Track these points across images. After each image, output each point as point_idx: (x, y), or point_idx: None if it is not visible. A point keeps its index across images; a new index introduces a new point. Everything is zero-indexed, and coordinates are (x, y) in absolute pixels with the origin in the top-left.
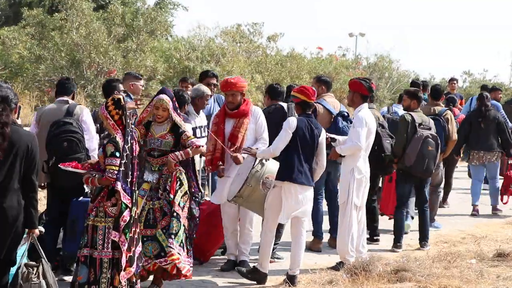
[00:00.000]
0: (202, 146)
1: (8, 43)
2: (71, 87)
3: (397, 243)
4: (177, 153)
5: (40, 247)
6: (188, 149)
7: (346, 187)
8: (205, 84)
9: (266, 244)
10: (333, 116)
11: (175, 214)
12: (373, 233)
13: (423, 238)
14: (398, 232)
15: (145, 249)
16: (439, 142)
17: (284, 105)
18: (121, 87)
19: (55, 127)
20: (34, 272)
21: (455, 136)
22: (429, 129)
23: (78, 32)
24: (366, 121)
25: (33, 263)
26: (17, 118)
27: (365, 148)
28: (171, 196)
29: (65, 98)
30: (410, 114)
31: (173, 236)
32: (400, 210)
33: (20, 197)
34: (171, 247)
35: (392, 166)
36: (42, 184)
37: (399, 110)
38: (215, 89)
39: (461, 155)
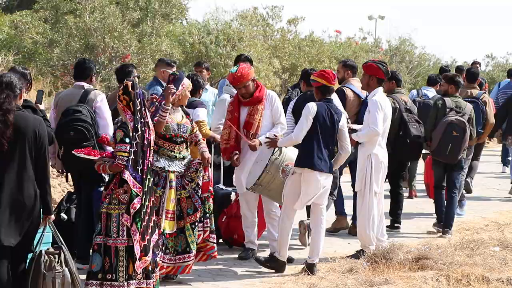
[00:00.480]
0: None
1: (21, 27)
2: (88, 70)
3: (440, 222)
4: (205, 145)
5: (58, 234)
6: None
7: (363, 174)
8: None
9: (284, 232)
10: (362, 100)
11: (210, 209)
12: (394, 220)
13: (447, 225)
14: (438, 212)
15: (176, 243)
16: (466, 127)
17: None
18: (135, 72)
19: (64, 115)
20: (57, 260)
21: (492, 119)
22: (463, 115)
23: (92, 16)
24: (381, 105)
25: (53, 250)
26: (40, 103)
27: (381, 134)
28: (204, 194)
29: (82, 83)
30: (443, 99)
31: (214, 232)
32: (438, 190)
33: (35, 185)
34: (214, 243)
35: (419, 152)
36: (60, 170)
37: (429, 92)
38: None
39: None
